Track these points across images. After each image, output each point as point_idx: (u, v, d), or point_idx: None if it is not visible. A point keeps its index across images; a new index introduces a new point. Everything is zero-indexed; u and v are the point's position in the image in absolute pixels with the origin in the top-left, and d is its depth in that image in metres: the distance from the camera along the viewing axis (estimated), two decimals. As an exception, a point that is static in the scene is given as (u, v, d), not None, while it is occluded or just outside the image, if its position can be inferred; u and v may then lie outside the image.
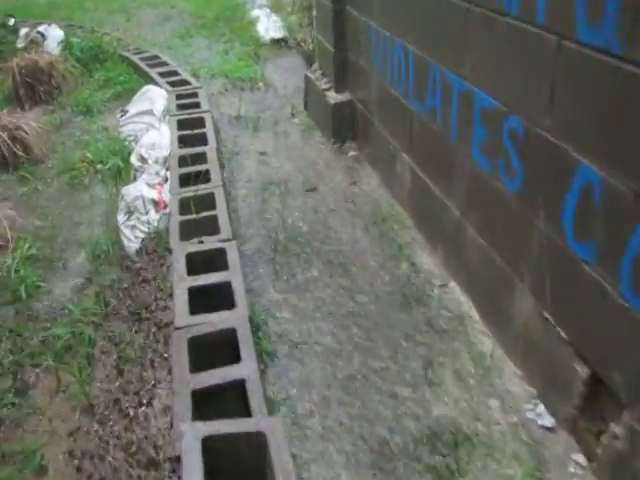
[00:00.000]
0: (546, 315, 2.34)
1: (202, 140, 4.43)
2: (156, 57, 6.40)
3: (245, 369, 2.30)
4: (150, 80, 5.80)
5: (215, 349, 2.46)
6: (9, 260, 3.55)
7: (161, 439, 2.12)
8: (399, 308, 3.13)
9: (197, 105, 5.03)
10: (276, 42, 7.41)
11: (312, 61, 6.40)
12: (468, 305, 3.09)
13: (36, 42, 7.34)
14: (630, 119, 1.75)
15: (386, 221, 3.86)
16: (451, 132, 3.02)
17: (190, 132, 4.51)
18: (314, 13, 5.19)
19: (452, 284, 3.26)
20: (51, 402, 2.61)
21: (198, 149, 4.23)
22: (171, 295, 2.76)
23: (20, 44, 7.44)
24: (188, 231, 3.30)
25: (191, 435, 1.83)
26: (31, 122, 4.82)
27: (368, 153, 4.55)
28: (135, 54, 6.55)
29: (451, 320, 3.03)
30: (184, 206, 3.55)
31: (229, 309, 2.66)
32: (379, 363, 2.76)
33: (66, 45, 7.02)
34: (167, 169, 4.10)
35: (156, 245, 3.27)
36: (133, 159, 4.22)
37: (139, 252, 3.34)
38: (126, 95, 6.01)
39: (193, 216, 3.39)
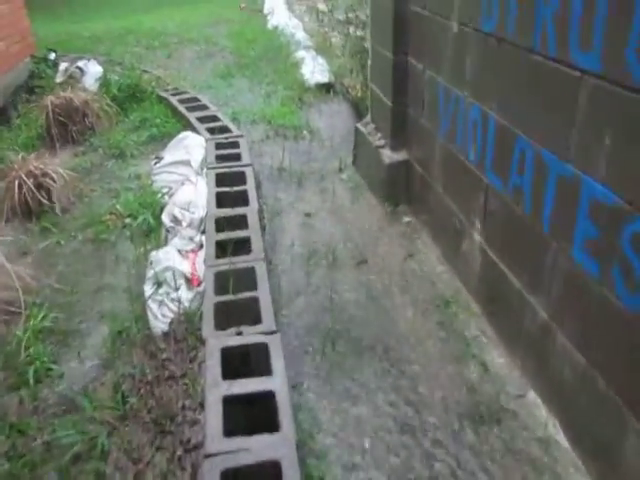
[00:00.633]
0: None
1: (242, 199, 4.00)
2: (195, 99, 6.06)
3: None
4: (188, 125, 5.44)
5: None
6: (20, 332, 3.12)
7: None
8: (469, 424, 2.60)
9: (238, 157, 4.63)
10: (321, 87, 7.04)
11: (360, 110, 6.03)
12: (553, 426, 2.55)
13: (74, 77, 7.11)
14: None
15: (449, 306, 3.36)
16: (542, 220, 2.52)
17: (229, 189, 4.09)
18: (368, 61, 4.78)
19: (531, 395, 2.73)
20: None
21: (238, 210, 3.80)
22: (202, 405, 2.28)
23: (59, 79, 7.22)
24: (224, 315, 2.84)
25: None
26: (59, 168, 4.46)
27: (426, 221, 4.07)
28: (174, 95, 6.23)
29: (532, 445, 2.50)
30: (220, 282, 3.10)
31: (271, 428, 2.17)
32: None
33: (103, 82, 6.74)
34: (202, 232, 3.67)
35: (186, 332, 2.81)
36: (165, 218, 3.81)
37: (166, 336, 2.88)
38: (162, 139, 5.66)
39: (230, 297, 2.93)
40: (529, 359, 2.77)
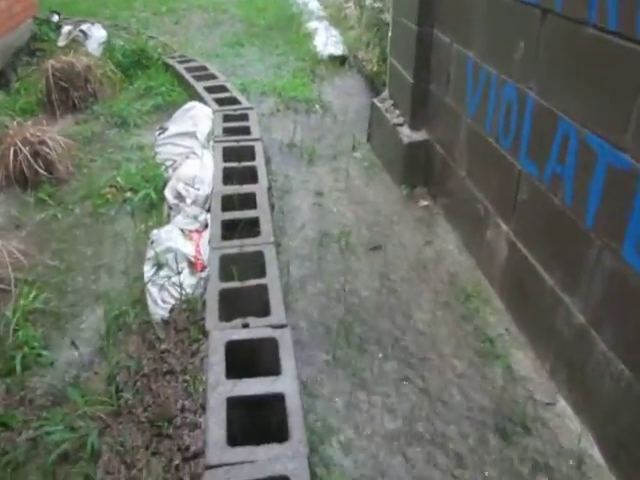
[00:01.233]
0: None
1: (251, 176, 3.75)
2: (203, 68, 5.76)
3: None
4: (195, 94, 5.16)
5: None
6: (9, 313, 2.90)
7: None
8: (494, 433, 2.39)
9: (247, 130, 4.36)
10: (334, 59, 6.72)
11: (376, 85, 5.73)
12: (587, 439, 2.34)
13: (77, 41, 6.80)
14: None
15: (470, 299, 3.12)
16: (586, 214, 2.27)
17: (237, 164, 3.83)
18: (389, 33, 4.48)
19: (561, 404, 2.51)
20: None
21: (246, 188, 3.55)
22: (203, 407, 2.05)
23: (61, 42, 6.91)
24: (229, 304, 2.61)
25: None
26: (57, 136, 4.20)
27: (445, 205, 3.82)
28: (180, 63, 5.92)
29: (564, 459, 2.28)
30: (225, 266, 2.86)
31: (279, 434, 1.95)
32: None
33: (108, 47, 6.43)
34: (208, 210, 3.43)
35: (187, 321, 2.58)
36: (168, 194, 3.56)
37: (166, 325, 2.65)
38: (167, 109, 5.38)
39: (237, 284, 2.70)
40: (560, 364, 2.55)
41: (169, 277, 2.85)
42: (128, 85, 5.85)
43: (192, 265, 2.79)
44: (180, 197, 3.45)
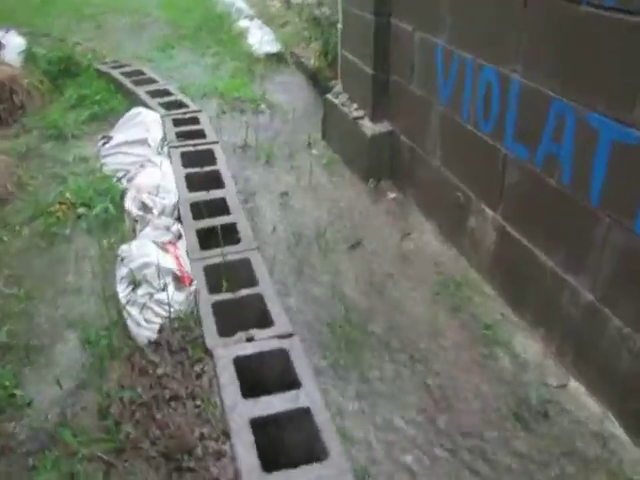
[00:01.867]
0: None
1: (215, 180, 3.55)
2: (140, 72, 5.47)
3: None
4: (137, 100, 4.88)
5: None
6: (-31, 352, 2.59)
7: None
8: (514, 421, 2.34)
9: (201, 134, 4.15)
10: (271, 57, 6.57)
11: (318, 80, 5.64)
12: (607, 418, 2.32)
13: (-10, 51, 6.29)
14: None
15: (460, 289, 3.08)
16: (590, 192, 2.25)
17: (199, 170, 3.62)
18: (338, 26, 4.38)
19: (574, 384, 2.50)
20: None
21: (214, 193, 3.36)
22: (225, 433, 1.88)
23: (-30, 53, 6.37)
24: (225, 317, 2.43)
25: None
26: (-8, 153, 3.84)
27: (416, 196, 3.76)
28: (115, 68, 5.59)
29: (589, 440, 2.26)
30: (210, 277, 2.68)
31: (310, 452, 1.81)
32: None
33: (28, 55, 5.99)
34: (177, 220, 3.21)
35: (184, 340, 2.38)
36: (130, 206, 3.31)
37: (157, 347, 2.44)
38: (105, 117, 5.07)
39: (229, 295, 2.52)
40: (568, 345, 2.53)
41: (150, 294, 2.63)
42: (58, 95, 5.46)
43: (178, 279, 2.58)
44: (145, 208, 3.21)
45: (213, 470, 1.81)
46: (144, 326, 2.60)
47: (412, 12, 3.41)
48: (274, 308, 2.43)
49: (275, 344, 2.23)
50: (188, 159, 3.74)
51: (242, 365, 2.16)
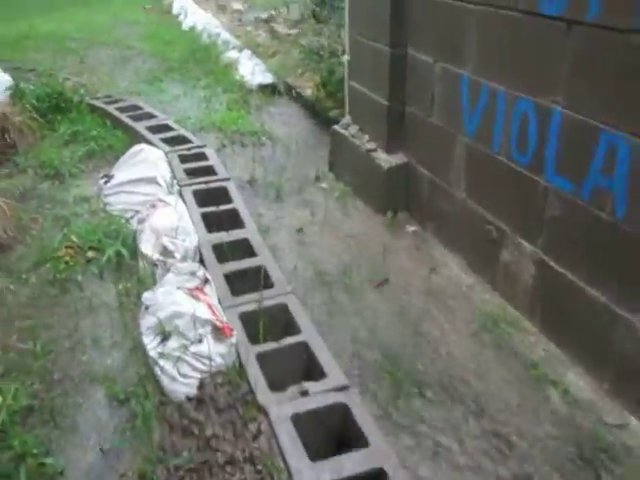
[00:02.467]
0: None
1: (233, 220, 3.42)
2: (136, 107, 5.32)
3: None
4: (136, 136, 4.73)
5: None
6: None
7: None
8: (582, 466, 2.23)
9: (210, 170, 4.02)
10: (265, 88, 6.49)
11: (317, 111, 5.57)
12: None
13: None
14: None
15: (498, 325, 2.98)
16: (650, 226, 2.18)
17: (215, 209, 3.49)
18: (344, 57, 4.32)
19: (634, 423, 2.40)
20: None
21: (235, 234, 3.22)
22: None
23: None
24: (271, 369, 2.29)
25: None
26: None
27: (439, 229, 3.68)
28: (109, 103, 5.44)
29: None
30: (248, 325, 2.53)
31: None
32: None
33: (16, 92, 5.79)
34: (200, 263, 3.06)
35: (230, 396, 2.22)
36: (147, 249, 3.15)
37: (200, 404, 2.27)
38: (103, 154, 4.91)
39: (273, 345, 2.38)
40: (624, 382, 2.44)
41: (185, 347, 2.46)
42: (50, 132, 5.27)
43: (217, 330, 2.42)
44: (166, 252, 3.05)
45: None
46: (180, 381, 2.43)
47: (432, 43, 3.36)
48: (323, 357, 2.30)
49: (332, 398, 2.09)
50: (201, 198, 3.60)
51: (300, 422, 2.01)
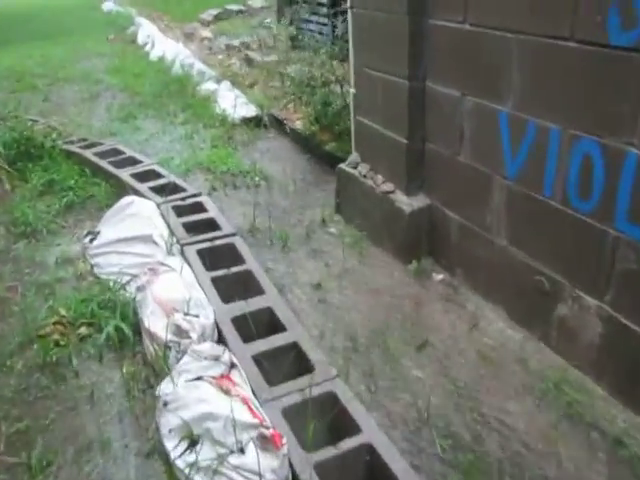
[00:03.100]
0: None
1: (247, 283, 3.02)
2: (117, 151, 4.87)
3: None
4: (120, 185, 4.29)
5: None
6: None
7: None
8: None
9: (212, 224, 3.61)
10: (249, 121, 6.12)
11: (310, 146, 5.22)
12: None
13: None
14: None
15: (561, 390, 2.64)
16: None
17: (226, 272, 3.08)
18: (351, 90, 3.98)
19: None
20: None
21: (255, 303, 2.81)
22: None
23: None
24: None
25: None
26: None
27: (470, 277, 3.34)
28: (85, 148, 4.97)
29: None
30: (295, 424, 2.12)
31: None
32: None
33: (-25, 138, 5.28)
34: (220, 342, 2.65)
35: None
36: (156, 327, 2.72)
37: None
38: (83, 207, 4.46)
39: (333, 452, 1.97)
40: None
41: (222, 457, 2.04)
42: (21, 182, 4.78)
43: (265, 439, 2.01)
44: (180, 331, 2.63)
45: None
46: (221, 502, 2.01)
47: (460, 75, 3.04)
48: (395, 464, 1.90)
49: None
50: (208, 259, 3.18)
51: None
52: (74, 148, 4.95)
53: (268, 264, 3.69)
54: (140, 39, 10.25)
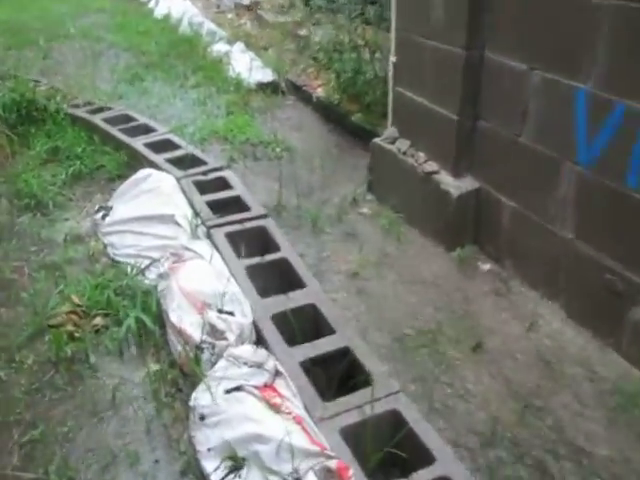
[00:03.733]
0: None
1: (284, 274, 2.72)
2: (128, 118, 4.49)
3: None
4: (134, 155, 3.94)
5: None
6: None
7: None
8: None
9: (239, 203, 3.28)
10: (265, 87, 5.73)
11: (334, 115, 4.86)
12: None
13: None
14: None
15: (637, 402, 2.37)
16: None
17: (260, 260, 2.77)
18: (391, 58, 3.61)
19: None
20: None
21: (297, 297, 2.51)
22: None
23: None
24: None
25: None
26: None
27: (523, 269, 3.07)
28: (92, 113, 4.59)
29: None
30: (354, 446, 1.85)
31: None
32: None
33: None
34: (258, 342, 2.35)
35: None
36: (185, 324, 2.42)
37: None
38: (92, 178, 4.11)
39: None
40: None
41: (271, 485, 1.77)
42: (24, 148, 4.41)
43: (329, 472, 1.72)
44: (214, 330, 2.33)
45: None
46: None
47: (528, 45, 2.70)
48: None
49: None
50: (237, 244, 2.87)
51: None
52: (80, 113, 4.57)
53: (298, 247, 3.37)
54: (143, -6, 9.69)
